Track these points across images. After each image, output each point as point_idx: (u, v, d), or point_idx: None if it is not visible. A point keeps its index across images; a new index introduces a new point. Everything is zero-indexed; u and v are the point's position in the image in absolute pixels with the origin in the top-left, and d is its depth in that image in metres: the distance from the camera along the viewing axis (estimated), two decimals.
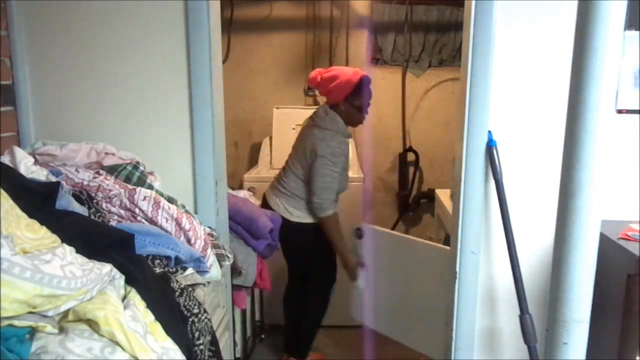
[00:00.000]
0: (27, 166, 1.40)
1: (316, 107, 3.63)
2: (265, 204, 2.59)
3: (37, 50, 1.79)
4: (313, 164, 2.38)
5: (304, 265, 2.65)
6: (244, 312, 2.57)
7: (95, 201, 1.46)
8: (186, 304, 1.26)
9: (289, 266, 2.71)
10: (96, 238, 1.15)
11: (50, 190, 1.24)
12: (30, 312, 0.90)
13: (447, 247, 1.91)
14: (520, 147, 1.70)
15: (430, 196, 3.53)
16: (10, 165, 1.38)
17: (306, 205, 2.48)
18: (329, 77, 2.42)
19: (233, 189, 2.80)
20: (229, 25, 3.46)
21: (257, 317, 3.01)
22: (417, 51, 3.67)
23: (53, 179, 1.43)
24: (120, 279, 1.09)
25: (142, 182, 1.64)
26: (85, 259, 1.03)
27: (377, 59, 3.73)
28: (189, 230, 1.55)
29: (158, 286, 1.21)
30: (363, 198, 3.01)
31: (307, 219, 2.49)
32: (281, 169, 2.60)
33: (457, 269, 1.77)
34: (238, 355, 2.40)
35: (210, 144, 1.80)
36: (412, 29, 3.62)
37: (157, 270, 1.34)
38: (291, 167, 2.51)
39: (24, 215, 1.02)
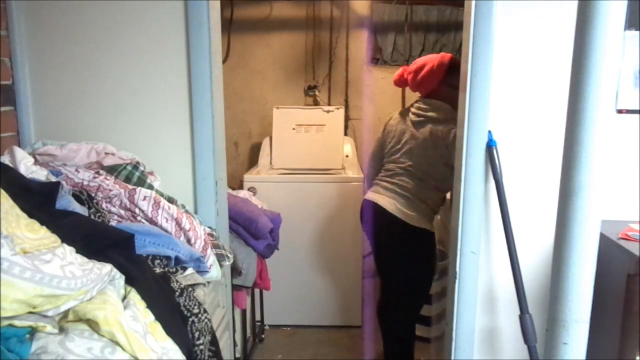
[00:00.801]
0: (27, 166, 1.41)
1: (316, 107, 3.67)
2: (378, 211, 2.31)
3: (37, 50, 1.79)
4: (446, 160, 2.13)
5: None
6: (244, 312, 2.57)
7: (95, 201, 1.46)
8: (186, 304, 1.26)
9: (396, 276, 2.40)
10: (96, 238, 1.15)
11: (50, 190, 1.24)
12: (30, 312, 0.90)
13: None
14: (520, 147, 1.69)
15: None
16: (10, 165, 1.38)
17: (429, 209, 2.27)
18: (416, 68, 2.29)
19: (233, 189, 2.80)
20: (229, 25, 3.46)
21: (257, 317, 3.01)
22: (417, 51, 3.67)
23: (53, 179, 1.43)
24: (120, 279, 1.09)
25: (142, 182, 1.64)
26: (85, 259, 1.03)
27: (377, 59, 3.73)
28: (189, 230, 1.55)
29: (158, 286, 1.21)
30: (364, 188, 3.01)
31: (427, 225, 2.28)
32: (385, 176, 2.35)
33: (457, 269, 1.77)
34: (238, 355, 2.40)
35: (210, 144, 1.80)
36: (412, 29, 3.63)
37: (157, 270, 1.34)
38: (424, 180, 2.24)
39: (24, 215, 1.02)
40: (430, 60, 2.27)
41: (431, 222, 2.30)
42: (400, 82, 2.40)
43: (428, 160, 2.21)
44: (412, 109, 2.32)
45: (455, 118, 2.00)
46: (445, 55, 2.27)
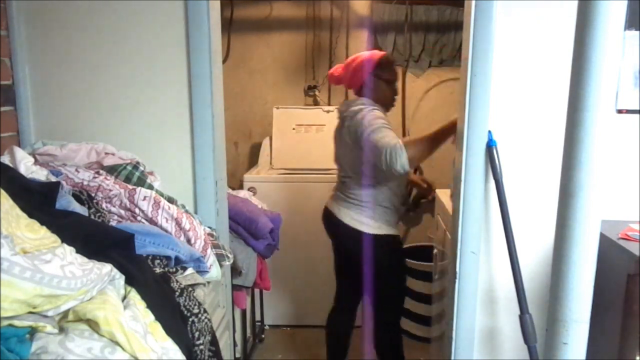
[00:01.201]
0: (27, 166, 1.41)
1: (316, 107, 3.67)
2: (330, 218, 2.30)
3: (37, 50, 1.79)
4: (362, 144, 2.05)
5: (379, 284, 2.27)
6: (244, 312, 2.57)
7: (95, 201, 1.46)
8: (186, 304, 1.26)
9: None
10: (96, 238, 1.15)
11: (50, 190, 1.24)
12: (30, 312, 0.90)
13: None
14: (520, 147, 1.69)
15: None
16: (10, 165, 1.38)
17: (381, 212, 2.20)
18: (348, 62, 2.28)
19: (233, 189, 2.80)
20: (229, 25, 3.46)
21: (257, 317, 3.01)
22: (417, 51, 3.67)
23: (53, 179, 1.43)
24: (120, 279, 1.09)
25: (142, 182, 1.64)
26: (85, 259, 1.03)
27: None
28: (189, 230, 1.55)
29: (158, 286, 1.21)
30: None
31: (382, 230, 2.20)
32: (339, 183, 2.33)
33: (457, 269, 1.77)
34: (238, 355, 2.41)
35: (210, 144, 1.80)
36: (412, 29, 3.62)
37: (157, 270, 1.34)
38: (351, 176, 2.22)
39: (24, 215, 1.02)
40: (362, 54, 2.26)
41: (392, 225, 2.23)
42: (333, 78, 2.36)
43: (360, 161, 2.14)
44: (339, 113, 2.30)
45: (368, 108, 2.08)
46: (377, 53, 2.26)
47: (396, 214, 2.28)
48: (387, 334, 2.37)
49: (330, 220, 2.31)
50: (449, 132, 1.96)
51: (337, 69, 2.35)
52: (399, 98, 3.70)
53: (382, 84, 2.23)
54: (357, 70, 2.24)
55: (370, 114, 2.07)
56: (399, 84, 2.21)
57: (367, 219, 2.19)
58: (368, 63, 2.21)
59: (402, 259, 2.42)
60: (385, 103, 2.26)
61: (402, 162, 1.87)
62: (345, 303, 2.50)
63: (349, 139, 2.16)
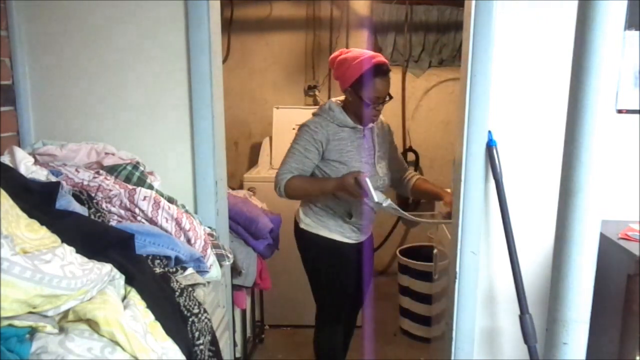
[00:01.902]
0: (27, 166, 1.40)
1: (316, 107, 3.66)
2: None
3: (37, 50, 1.79)
4: None
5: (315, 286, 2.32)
6: (244, 312, 2.57)
7: (95, 201, 1.46)
8: (186, 304, 1.26)
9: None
10: (96, 238, 1.15)
11: (50, 190, 1.24)
12: (30, 312, 0.90)
13: None
14: (520, 147, 1.70)
15: None
16: (10, 165, 1.38)
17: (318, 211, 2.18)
18: (343, 59, 2.07)
19: (233, 189, 2.80)
20: (229, 25, 3.47)
21: (257, 317, 3.01)
22: (417, 51, 3.67)
23: (53, 179, 1.43)
24: (120, 279, 1.09)
25: (142, 182, 1.64)
26: (85, 259, 1.03)
27: None
28: (189, 230, 1.55)
29: (158, 286, 1.22)
30: None
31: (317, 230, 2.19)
32: None
33: (457, 269, 1.77)
34: (238, 355, 2.41)
35: (210, 144, 1.80)
36: (412, 29, 3.63)
37: (157, 270, 1.34)
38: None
39: (24, 215, 1.02)
40: (360, 55, 2.04)
41: (326, 227, 2.17)
42: (332, 62, 2.16)
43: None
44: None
45: (322, 119, 2.07)
46: (374, 57, 2.03)
47: (334, 219, 2.16)
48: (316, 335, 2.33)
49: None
50: (339, 188, 2.03)
51: (340, 54, 2.14)
52: (399, 98, 3.72)
53: (356, 99, 2.04)
54: (342, 74, 2.08)
55: (300, 131, 2.11)
56: (382, 105, 2.08)
57: (302, 215, 2.24)
58: (354, 69, 2.01)
59: (319, 259, 2.24)
60: (359, 119, 2.09)
61: (279, 190, 2.12)
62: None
63: None
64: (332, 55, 2.17)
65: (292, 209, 3.01)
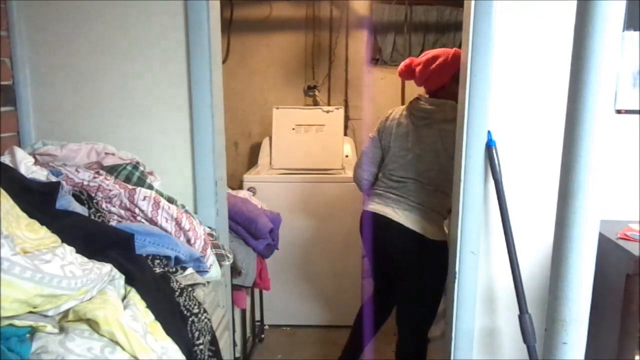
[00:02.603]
0: (27, 166, 1.41)
1: (316, 107, 3.67)
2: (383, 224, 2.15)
3: (37, 50, 1.79)
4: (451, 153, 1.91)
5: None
6: (244, 312, 2.57)
7: (95, 201, 1.46)
8: (186, 303, 1.26)
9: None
10: (96, 238, 1.15)
11: (50, 190, 1.25)
12: (31, 312, 0.90)
13: None
14: (520, 147, 1.70)
15: None
16: (11, 165, 1.38)
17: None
18: (426, 60, 2.08)
19: (233, 189, 2.80)
20: (229, 25, 3.46)
21: (257, 317, 3.01)
22: (417, 51, 3.66)
23: (53, 179, 1.43)
24: (120, 279, 1.09)
25: (142, 182, 1.64)
26: (85, 259, 1.03)
27: (377, 59, 3.73)
28: (188, 230, 1.55)
29: (158, 286, 1.22)
30: (364, 198, 3.01)
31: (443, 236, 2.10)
32: (391, 184, 2.17)
33: (457, 269, 1.77)
34: (238, 355, 2.41)
35: (210, 144, 1.80)
36: (411, 29, 3.63)
37: (157, 270, 1.34)
38: (435, 189, 2.08)
39: (24, 215, 1.02)
40: (444, 52, 2.08)
41: (444, 230, 2.12)
42: (406, 74, 2.19)
43: (440, 167, 2.04)
44: (415, 110, 2.12)
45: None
46: (459, 50, 1.94)
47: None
48: (419, 344, 2.30)
49: (384, 224, 2.14)
50: None
51: (410, 63, 2.16)
52: (398, 98, 3.72)
53: (456, 86, 1.92)
54: (435, 72, 2.07)
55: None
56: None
57: (429, 224, 2.08)
58: (453, 63, 2.01)
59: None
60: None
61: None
62: (386, 303, 2.43)
63: (440, 144, 2.03)
64: (403, 65, 2.19)
65: (292, 209, 3.03)
